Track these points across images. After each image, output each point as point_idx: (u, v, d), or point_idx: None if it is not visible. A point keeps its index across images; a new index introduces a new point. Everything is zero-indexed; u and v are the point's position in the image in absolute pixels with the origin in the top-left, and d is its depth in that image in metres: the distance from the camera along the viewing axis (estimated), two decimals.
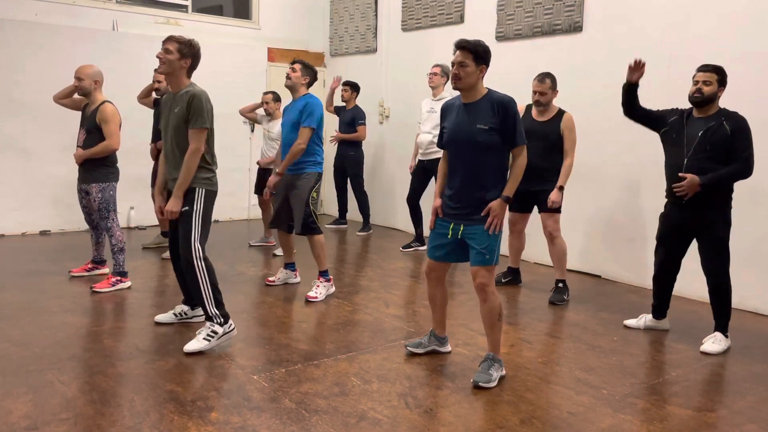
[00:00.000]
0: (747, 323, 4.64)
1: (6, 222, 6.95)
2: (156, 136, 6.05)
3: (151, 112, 6.25)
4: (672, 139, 4.14)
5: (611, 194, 5.80)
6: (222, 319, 3.80)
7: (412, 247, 6.86)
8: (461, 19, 7.12)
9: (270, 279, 5.31)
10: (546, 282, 5.53)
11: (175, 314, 4.25)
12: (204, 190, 3.81)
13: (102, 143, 4.87)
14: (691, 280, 4.77)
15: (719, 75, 3.98)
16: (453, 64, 3.37)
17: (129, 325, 4.17)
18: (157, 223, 6.64)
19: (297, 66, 4.91)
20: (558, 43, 6.15)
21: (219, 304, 3.81)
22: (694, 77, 4.04)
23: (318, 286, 4.95)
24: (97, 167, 4.93)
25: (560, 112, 5.03)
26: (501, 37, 6.64)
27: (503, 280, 5.49)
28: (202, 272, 3.75)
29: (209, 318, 3.80)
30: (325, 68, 9.25)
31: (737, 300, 4.92)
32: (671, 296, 4.39)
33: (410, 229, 7.19)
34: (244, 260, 6.11)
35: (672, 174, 4.10)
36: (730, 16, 4.95)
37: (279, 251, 6.29)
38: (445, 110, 3.57)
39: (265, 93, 6.58)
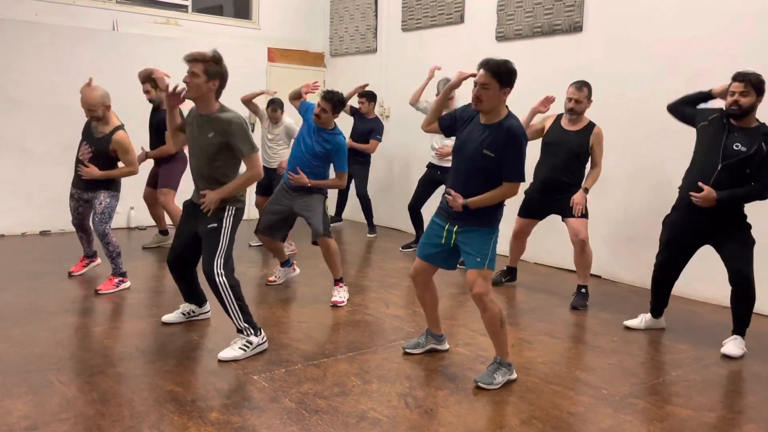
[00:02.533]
0: None
1: (6, 222, 6.95)
2: (152, 142, 6.17)
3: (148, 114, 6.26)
4: (708, 138, 3.98)
5: (611, 194, 5.80)
6: (253, 330, 3.72)
7: (412, 247, 6.85)
8: (461, 19, 7.12)
9: (270, 279, 5.31)
10: (546, 282, 5.53)
11: (183, 313, 4.24)
12: (234, 209, 3.75)
13: (125, 169, 4.91)
14: (691, 280, 4.78)
15: (757, 84, 3.81)
16: (475, 84, 3.22)
17: (129, 326, 4.17)
18: (154, 223, 6.66)
19: (328, 107, 4.70)
20: (558, 43, 6.15)
21: (247, 315, 3.72)
22: (729, 87, 3.90)
23: (339, 292, 4.87)
24: (105, 181, 4.93)
25: (590, 125, 4.92)
26: (501, 37, 6.64)
27: (503, 280, 5.48)
28: (225, 288, 3.64)
29: (240, 331, 3.72)
30: (325, 68, 9.25)
31: None
32: (669, 296, 4.38)
33: (410, 229, 7.19)
34: (244, 260, 6.11)
35: (698, 176, 3.97)
36: (730, 16, 4.95)
37: (254, 242, 6.53)
38: (464, 111, 3.45)
39: (269, 107, 6.47)
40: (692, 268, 4.37)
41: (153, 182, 6.28)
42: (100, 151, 4.87)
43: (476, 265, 3.31)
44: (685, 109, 4.22)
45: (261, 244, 6.80)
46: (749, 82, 3.80)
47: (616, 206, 5.78)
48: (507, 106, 3.33)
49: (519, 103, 5.31)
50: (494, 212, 3.37)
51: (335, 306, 4.75)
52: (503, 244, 6.57)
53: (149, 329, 4.10)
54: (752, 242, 3.98)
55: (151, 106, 6.20)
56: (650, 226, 5.40)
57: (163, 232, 6.56)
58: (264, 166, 6.65)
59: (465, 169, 3.34)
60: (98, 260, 5.46)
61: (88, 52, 7.09)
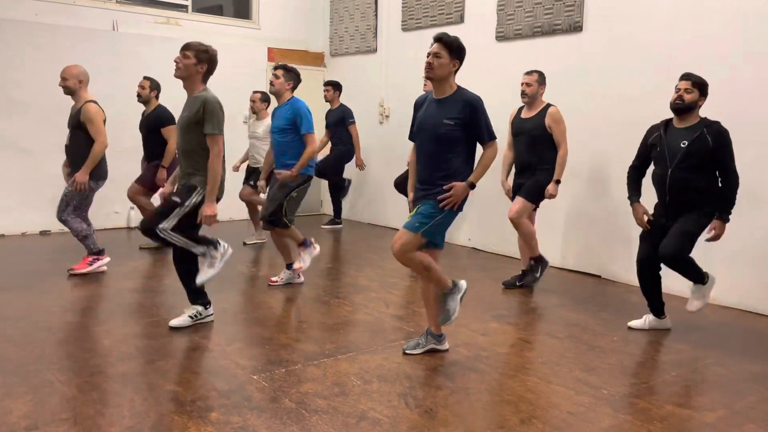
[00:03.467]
0: (747, 323, 4.63)
1: (6, 222, 6.95)
2: (146, 144, 6.26)
3: None
4: (656, 152, 4.20)
5: (611, 194, 5.80)
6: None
7: None
8: (461, 19, 7.12)
9: (273, 279, 5.30)
10: (545, 282, 5.52)
11: (190, 317, 4.16)
12: (202, 195, 3.93)
13: (92, 150, 4.96)
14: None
15: (700, 85, 4.06)
16: (428, 54, 3.47)
17: (129, 325, 4.17)
18: None
19: (279, 72, 4.99)
20: (558, 43, 6.14)
21: (197, 242, 4.00)
22: (676, 86, 4.13)
23: (282, 273, 5.22)
24: (79, 163, 5.02)
25: (546, 107, 5.09)
26: (501, 37, 6.64)
27: (518, 284, 5.36)
28: (168, 234, 3.90)
29: (202, 252, 4.02)
30: (325, 68, 9.25)
31: (737, 300, 4.93)
32: (662, 293, 4.36)
33: None
34: (243, 260, 6.11)
35: (658, 187, 4.17)
36: (730, 16, 4.94)
37: (251, 239, 6.75)
38: (419, 104, 3.70)
39: (255, 92, 6.60)
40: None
41: (144, 181, 6.28)
42: (74, 125, 4.99)
43: (411, 228, 3.47)
44: (642, 171, 4.40)
45: (255, 242, 6.81)
46: (693, 81, 4.06)
47: (615, 206, 5.77)
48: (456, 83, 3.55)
49: (519, 102, 5.33)
50: None
51: (269, 285, 5.13)
52: (512, 248, 6.57)
53: (149, 329, 4.10)
54: (694, 232, 4.03)
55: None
56: None
57: None
58: (251, 166, 6.67)
59: (428, 143, 3.54)
60: (105, 258, 5.42)
61: (88, 52, 7.09)
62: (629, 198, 4.36)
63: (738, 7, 4.90)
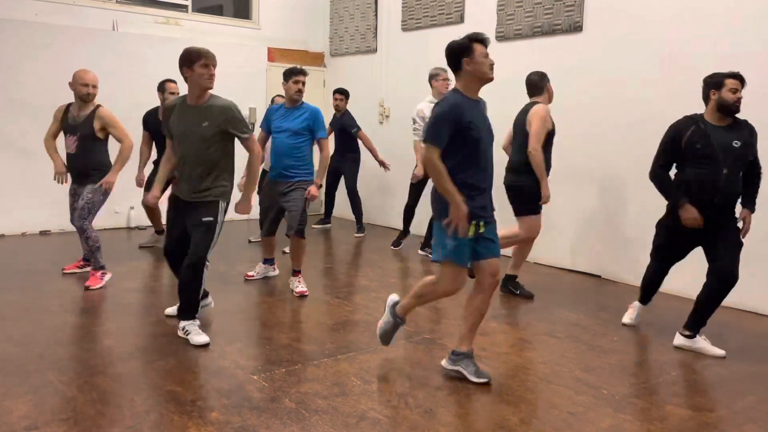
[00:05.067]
0: (747, 323, 4.63)
1: (6, 222, 6.95)
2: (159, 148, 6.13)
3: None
4: (698, 149, 3.88)
5: (611, 194, 5.80)
6: (197, 320, 4.00)
7: (401, 243, 6.85)
8: (461, 19, 7.12)
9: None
10: (546, 282, 5.52)
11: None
12: (226, 203, 3.95)
13: (122, 151, 4.90)
14: (691, 280, 4.76)
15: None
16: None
17: (129, 325, 4.17)
18: (151, 223, 6.65)
19: (303, 78, 4.91)
20: (558, 43, 6.15)
21: (199, 300, 4.01)
22: (726, 83, 3.87)
23: (300, 281, 5.06)
24: (95, 170, 4.93)
25: (531, 104, 4.93)
26: (501, 37, 6.64)
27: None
28: (202, 277, 3.88)
29: (192, 316, 3.95)
30: (325, 68, 9.25)
31: (737, 300, 4.92)
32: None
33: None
34: (244, 260, 6.11)
35: (704, 188, 3.87)
36: (729, 16, 4.95)
37: (254, 237, 6.72)
38: None
39: (278, 95, 6.51)
40: (692, 269, 4.37)
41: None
42: (86, 133, 4.90)
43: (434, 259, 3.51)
44: (668, 170, 4.11)
45: (259, 239, 6.78)
46: (744, 83, 3.93)
47: (616, 206, 5.78)
48: (455, 88, 3.50)
49: (520, 101, 5.33)
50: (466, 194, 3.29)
51: (302, 296, 4.92)
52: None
53: (149, 329, 4.10)
54: (742, 244, 3.98)
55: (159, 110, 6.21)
56: (650, 226, 5.36)
57: (160, 231, 6.56)
58: (264, 169, 6.64)
59: None
60: (109, 273, 5.30)
61: (88, 52, 7.09)
62: (676, 199, 3.96)
63: (738, 7, 4.90)
